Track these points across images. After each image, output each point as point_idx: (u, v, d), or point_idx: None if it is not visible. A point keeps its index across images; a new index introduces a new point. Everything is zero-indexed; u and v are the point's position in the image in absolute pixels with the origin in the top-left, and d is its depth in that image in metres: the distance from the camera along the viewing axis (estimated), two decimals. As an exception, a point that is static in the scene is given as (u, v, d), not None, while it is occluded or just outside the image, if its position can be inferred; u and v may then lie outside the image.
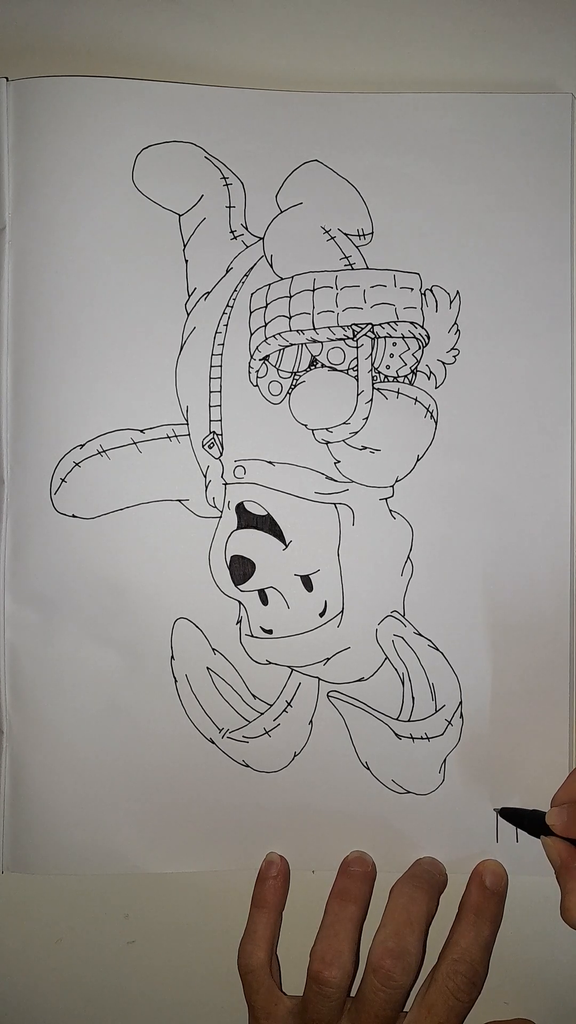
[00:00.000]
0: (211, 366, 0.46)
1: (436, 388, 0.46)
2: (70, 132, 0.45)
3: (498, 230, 0.46)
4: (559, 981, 0.47)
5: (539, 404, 0.46)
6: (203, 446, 0.46)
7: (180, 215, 0.46)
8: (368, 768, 0.46)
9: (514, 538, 0.46)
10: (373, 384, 0.46)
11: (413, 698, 0.46)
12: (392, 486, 0.46)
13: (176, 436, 0.46)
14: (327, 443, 0.46)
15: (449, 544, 0.46)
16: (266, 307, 0.46)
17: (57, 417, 0.46)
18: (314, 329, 0.45)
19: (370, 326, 0.45)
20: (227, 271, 0.46)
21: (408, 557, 0.46)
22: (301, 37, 0.47)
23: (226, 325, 0.46)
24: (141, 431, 0.46)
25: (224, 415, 0.46)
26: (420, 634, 0.46)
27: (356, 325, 0.45)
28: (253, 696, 0.46)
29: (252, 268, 0.46)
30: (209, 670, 0.46)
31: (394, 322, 0.46)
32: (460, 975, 0.42)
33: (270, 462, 0.46)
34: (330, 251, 0.46)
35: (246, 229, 0.46)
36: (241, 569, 0.46)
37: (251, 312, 0.46)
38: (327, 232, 0.46)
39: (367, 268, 0.46)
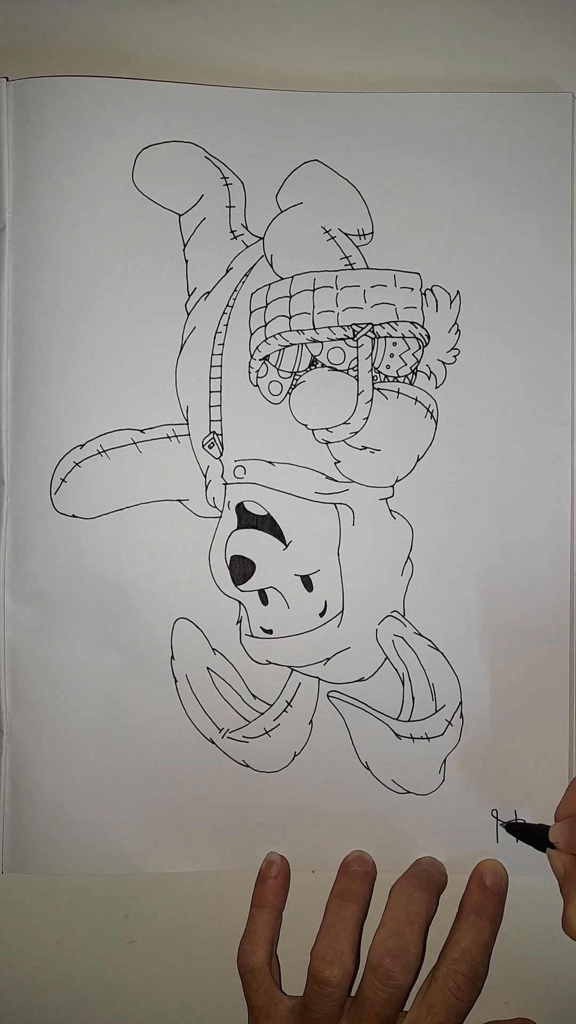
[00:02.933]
0: (211, 366, 0.46)
1: (436, 388, 0.46)
2: (70, 132, 0.45)
3: (498, 230, 0.46)
4: (559, 981, 0.47)
5: (539, 404, 0.46)
6: (203, 446, 0.46)
7: (180, 215, 0.46)
8: (368, 768, 0.46)
9: (514, 538, 0.46)
10: (373, 384, 0.46)
11: (413, 698, 0.46)
12: (392, 486, 0.46)
13: (176, 436, 0.46)
14: (327, 443, 0.46)
15: (449, 544, 0.46)
16: (266, 307, 0.46)
17: (57, 417, 0.46)
18: (314, 329, 0.45)
19: (370, 326, 0.45)
20: (227, 271, 0.46)
21: (408, 557, 0.46)
22: (301, 37, 0.47)
23: (226, 325, 0.46)
24: (141, 431, 0.46)
25: (224, 415, 0.46)
26: (420, 634, 0.46)
27: (356, 325, 0.45)
28: (253, 696, 0.46)
29: (252, 268, 0.46)
30: (209, 670, 0.46)
31: (394, 322, 0.46)
32: (460, 974, 0.42)
33: (270, 462, 0.46)
34: (330, 251, 0.46)
35: (246, 229, 0.46)
36: (241, 569, 0.46)
37: (251, 312, 0.46)
38: (327, 232, 0.46)
39: (367, 268, 0.46)
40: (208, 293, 0.46)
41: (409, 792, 0.46)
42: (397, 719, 0.46)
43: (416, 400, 0.46)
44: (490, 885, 0.45)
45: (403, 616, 0.46)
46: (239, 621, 0.46)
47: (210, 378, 0.46)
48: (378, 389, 0.46)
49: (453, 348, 0.46)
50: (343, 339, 0.45)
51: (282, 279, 0.46)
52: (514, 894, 0.45)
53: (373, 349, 0.46)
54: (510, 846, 0.45)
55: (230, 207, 0.46)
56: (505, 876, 0.45)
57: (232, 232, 0.46)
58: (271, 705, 0.46)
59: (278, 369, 0.46)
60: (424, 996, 0.43)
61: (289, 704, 0.46)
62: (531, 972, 0.47)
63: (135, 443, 0.46)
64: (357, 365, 0.46)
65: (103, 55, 0.47)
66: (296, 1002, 0.44)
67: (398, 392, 0.46)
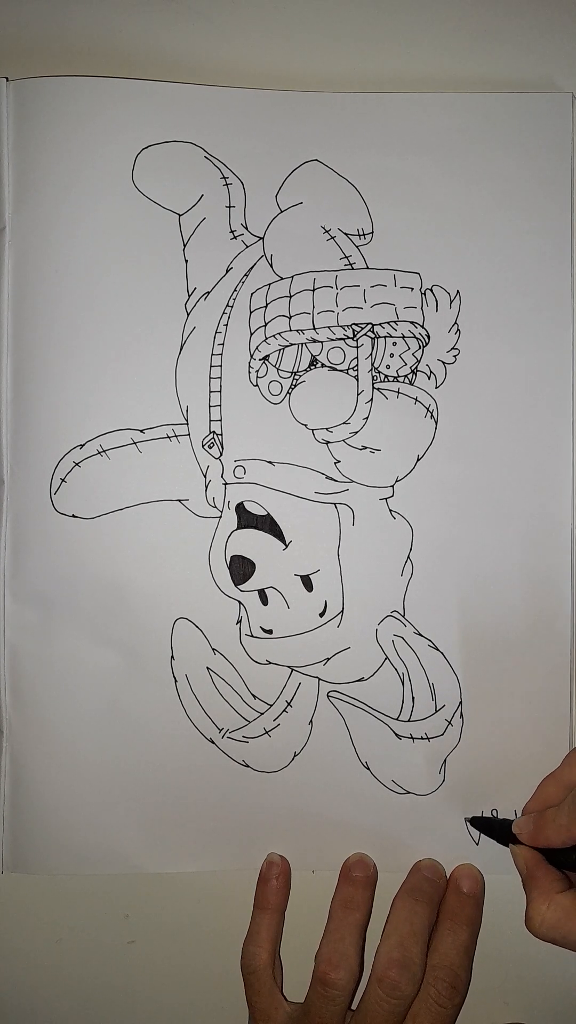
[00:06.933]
0: (211, 366, 0.46)
1: (436, 388, 0.46)
2: (70, 132, 0.45)
3: (498, 230, 0.46)
4: (559, 981, 0.47)
5: (539, 404, 0.46)
6: (203, 446, 0.46)
7: (180, 215, 0.46)
8: (368, 768, 0.46)
9: (514, 538, 0.46)
10: (373, 384, 0.46)
11: (413, 698, 0.46)
12: (392, 486, 0.46)
13: (176, 436, 0.46)
14: (327, 443, 0.46)
15: (449, 544, 0.46)
16: (266, 307, 0.46)
17: (57, 417, 0.46)
18: (314, 329, 0.45)
19: (370, 326, 0.45)
20: (227, 271, 0.46)
21: (408, 557, 0.46)
22: (301, 37, 0.47)
23: (226, 325, 0.46)
24: (141, 431, 0.46)
25: (224, 415, 0.46)
26: (420, 634, 0.46)
27: (356, 325, 0.45)
28: (253, 696, 0.46)
29: (252, 268, 0.46)
30: (209, 670, 0.46)
31: (394, 322, 0.46)
32: (441, 981, 0.42)
33: (270, 462, 0.46)
34: (330, 251, 0.46)
35: (246, 229, 0.46)
36: (241, 569, 0.46)
37: (251, 312, 0.46)
38: (327, 232, 0.46)
39: (367, 268, 0.46)
40: (208, 293, 0.46)
41: (409, 792, 0.46)
42: (397, 719, 0.46)
43: (416, 400, 0.46)
44: (467, 890, 0.44)
45: (403, 616, 0.46)
46: (239, 621, 0.46)
47: (210, 378, 0.46)
48: (378, 389, 0.46)
49: (453, 348, 0.46)
50: (343, 339, 0.45)
51: (282, 279, 0.46)
52: (515, 894, 0.45)
53: (373, 349, 0.46)
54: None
55: (230, 207, 0.46)
56: (481, 880, 0.45)
57: (232, 232, 0.46)
58: (271, 705, 0.46)
59: (278, 369, 0.46)
60: (408, 1006, 0.43)
61: (289, 704, 0.46)
62: (531, 972, 0.47)
63: (135, 443, 0.46)
64: (357, 365, 0.46)
65: (103, 55, 0.47)
66: (297, 1007, 0.44)
67: (398, 392, 0.46)
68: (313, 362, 0.46)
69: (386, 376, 0.46)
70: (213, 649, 0.46)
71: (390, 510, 0.46)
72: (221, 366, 0.46)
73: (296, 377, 0.46)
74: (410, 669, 0.46)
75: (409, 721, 0.46)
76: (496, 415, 0.46)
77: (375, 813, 0.46)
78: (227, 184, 0.46)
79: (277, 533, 0.46)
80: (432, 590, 0.46)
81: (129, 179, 0.45)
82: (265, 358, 0.46)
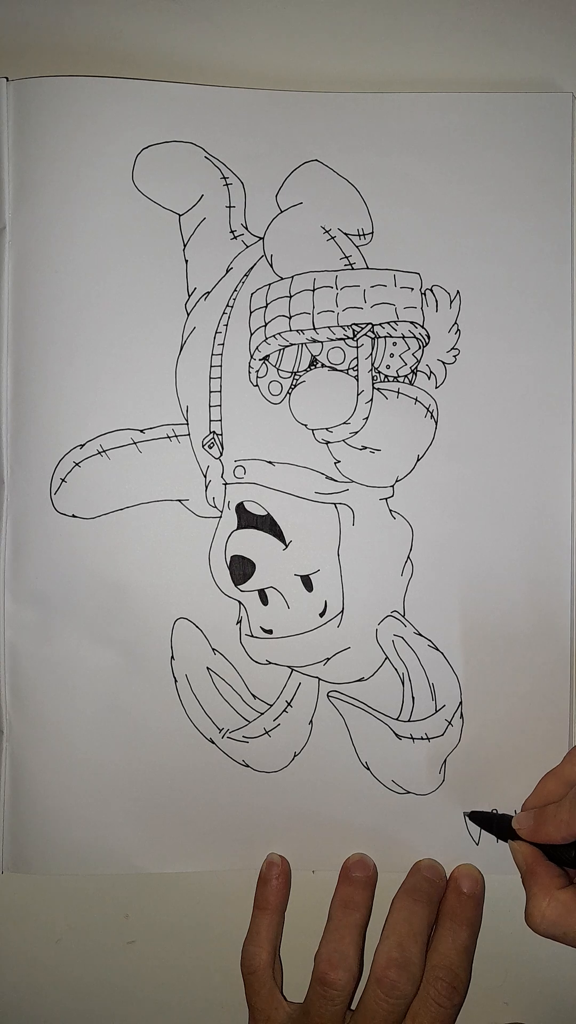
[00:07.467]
0: (211, 366, 0.46)
1: (436, 388, 0.46)
2: (70, 132, 0.45)
3: (498, 230, 0.46)
4: (559, 981, 0.47)
5: (539, 404, 0.46)
6: (203, 446, 0.46)
7: (180, 215, 0.46)
8: (368, 768, 0.46)
9: (514, 538, 0.46)
10: (373, 384, 0.46)
11: (413, 698, 0.46)
12: (392, 486, 0.46)
13: (176, 436, 0.46)
14: (327, 443, 0.46)
15: (449, 544, 0.46)
16: (266, 307, 0.46)
17: (57, 417, 0.46)
18: (314, 329, 0.45)
19: (370, 326, 0.45)
20: (227, 271, 0.46)
21: (408, 557, 0.46)
22: (301, 37, 0.47)
23: (226, 325, 0.46)
24: (141, 431, 0.46)
25: (224, 415, 0.46)
26: (420, 634, 0.46)
27: (356, 325, 0.45)
28: (253, 696, 0.46)
29: (252, 268, 0.46)
30: (209, 670, 0.46)
31: (394, 322, 0.46)
32: (440, 981, 0.42)
33: (270, 462, 0.46)
34: (330, 251, 0.46)
35: (246, 229, 0.46)
36: (241, 569, 0.46)
37: (251, 312, 0.46)
38: (327, 232, 0.46)
39: (367, 268, 0.46)
40: (208, 293, 0.46)
41: (409, 792, 0.46)
42: (397, 719, 0.46)
43: (416, 400, 0.46)
44: (467, 890, 0.44)
45: (403, 616, 0.46)
46: (239, 621, 0.46)
47: (210, 378, 0.46)
48: (378, 389, 0.46)
49: (453, 348, 0.46)
50: (343, 339, 0.45)
51: (282, 279, 0.46)
52: (515, 894, 0.45)
53: (373, 349, 0.46)
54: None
55: (230, 207, 0.46)
56: (481, 880, 0.45)
57: (232, 232, 0.46)
58: (271, 705, 0.46)
59: (278, 369, 0.46)
60: (407, 1006, 0.43)
61: (289, 704, 0.46)
62: (531, 972, 0.47)
63: (135, 443, 0.46)
64: (357, 365, 0.46)
65: (103, 55, 0.47)
66: (296, 1008, 0.44)
67: (398, 392, 0.46)
68: (313, 362, 0.46)
69: (386, 376, 0.46)
70: (213, 649, 0.46)
71: (390, 510, 0.46)
72: (221, 366, 0.46)
73: (296, 377, 0.46)
74: (410, 669, 0.46)
75: (409, 721, 0.46)
76: (496, 415, 0.46)
77: (375, 813, 0.46)
78: (227, 184, 0.46)
79: (277, 533, 0.46)
80: (432, 590, 0.46)
81: (129, 179, 0.45)
82: (265, 358, 0.46)
